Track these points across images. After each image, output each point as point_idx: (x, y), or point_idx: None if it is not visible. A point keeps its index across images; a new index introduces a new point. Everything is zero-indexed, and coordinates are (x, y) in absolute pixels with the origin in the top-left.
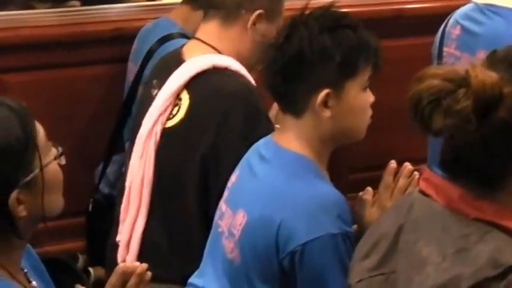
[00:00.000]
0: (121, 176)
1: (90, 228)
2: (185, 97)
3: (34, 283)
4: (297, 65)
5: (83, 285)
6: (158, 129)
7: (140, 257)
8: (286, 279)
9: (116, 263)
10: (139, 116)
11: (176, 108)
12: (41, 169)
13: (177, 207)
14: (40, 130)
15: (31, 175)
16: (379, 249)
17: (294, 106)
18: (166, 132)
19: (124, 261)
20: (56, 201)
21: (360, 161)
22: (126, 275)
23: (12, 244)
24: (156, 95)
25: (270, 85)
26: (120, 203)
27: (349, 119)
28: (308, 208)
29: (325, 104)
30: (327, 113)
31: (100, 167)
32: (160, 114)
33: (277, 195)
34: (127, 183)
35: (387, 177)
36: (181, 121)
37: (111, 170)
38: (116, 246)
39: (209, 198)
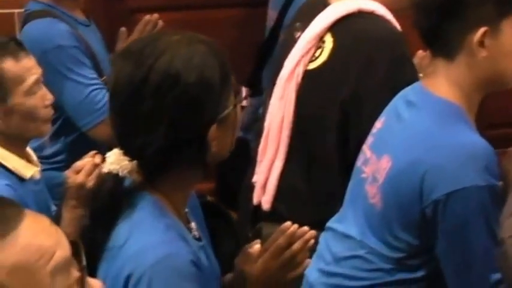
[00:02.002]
0: (256, 119)
1: (221, 170)
2: (329, 40)
3: (193, 224)
4: (454, 4)
5: (234, 234)
6: (300, 70)
7: (276, 200)
8: (427, 227)
9: (250, 205)
10: (281, 58)
11: (319, 51)
12: (235, 106)
13: (316, 150)
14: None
15: (226, 111)
16: None
17: (447, 48)
18: (308, 74)
19: (259, 203)
20: (231, 145)
21: (501, 117)
22: (294, 238)
23: (189, 181)
24: (298, 37)
25: (422, 27)
26: (258, 144)
27: (504, 61)
28: (456, 157)
29: (481, 43)
30: (483, 53)
31: None
32: (303, 56)
33: (424, 141)
34: (266, 124)
35: None
36: (324, 64)
37: (246, 113)
38: (251, 187)
39: (348, 143)
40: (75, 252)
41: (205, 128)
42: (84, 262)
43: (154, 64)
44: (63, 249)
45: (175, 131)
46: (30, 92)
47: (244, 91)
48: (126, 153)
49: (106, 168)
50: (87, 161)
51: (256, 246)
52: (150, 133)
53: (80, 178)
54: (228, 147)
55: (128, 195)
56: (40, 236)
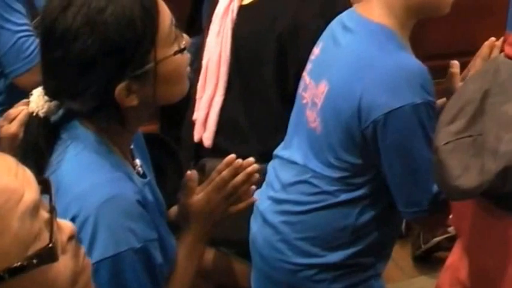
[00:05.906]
0: (196, 58)
1: (163, 110)
2: None
3: (138, 161)
4: None
5: (180, 168)
6: (235, 6)
7: (217, 134)
8: (369, 148)
9: (192, 142)
10: None
11: None
12: (156, 63)
13: (255, 83)
14: (166, 18)
15: (144, 68)
16: (465, 114)
17: None
18: (242, 9)
19: (201, 139)
20: (176, 91)
21: (439, 48)
22: (238, 170)
23: (126, 127)
24: None
25: None
26: (197, 81)
27: None
28: (391, 78)
29: None
30: None
31: None
32: None
33: (360, 64)
34: (204, 62)
35: (485, 50)
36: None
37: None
38: (192, 124)
39: (287, 74)
40: (44, 192)
41: (105, 88)
42: (54, 203)
43: (58, 17)
44: (32, 191)
45: (78, 83)
46: None
47: (184, 41)
48: (46, 93)
49: (30, 108)
50: (21, 109)
51: (195, 178)
52: (60, 79)
53: (13, 128)
54: (170, 95)
55: (61, 131)
56: (6, 177)
